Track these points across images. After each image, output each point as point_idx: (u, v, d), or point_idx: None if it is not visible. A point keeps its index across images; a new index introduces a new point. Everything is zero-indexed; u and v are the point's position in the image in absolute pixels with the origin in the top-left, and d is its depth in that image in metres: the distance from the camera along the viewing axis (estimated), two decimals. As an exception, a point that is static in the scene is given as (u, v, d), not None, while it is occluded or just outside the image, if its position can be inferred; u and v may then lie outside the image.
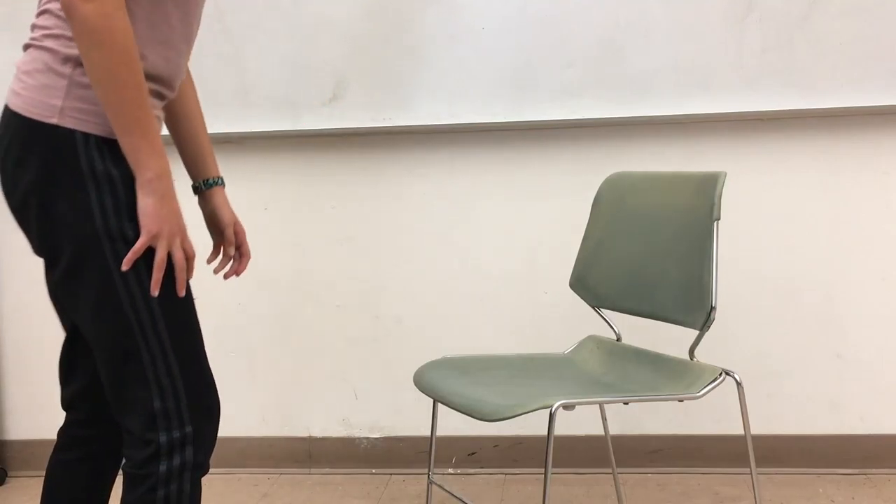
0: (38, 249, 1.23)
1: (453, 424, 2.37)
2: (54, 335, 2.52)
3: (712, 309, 1.56)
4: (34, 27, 1.22)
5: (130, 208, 1.17)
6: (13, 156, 1.19)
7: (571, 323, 2.35)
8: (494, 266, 2.39)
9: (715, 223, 1.60)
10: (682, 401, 1.93)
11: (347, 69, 2.29)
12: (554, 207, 2.34)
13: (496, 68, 2.25)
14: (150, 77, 1.22)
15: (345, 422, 2.45)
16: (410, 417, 2.40)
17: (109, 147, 1.18)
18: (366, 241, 2.41)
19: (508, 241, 2.38)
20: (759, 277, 2.30)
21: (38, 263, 2.50)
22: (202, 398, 1.23)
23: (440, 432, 2.39)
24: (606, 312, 1.89)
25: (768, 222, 2.29)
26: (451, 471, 2.43)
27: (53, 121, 1.16)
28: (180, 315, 1.22)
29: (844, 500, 2.16)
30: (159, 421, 1.20)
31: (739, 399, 1.59)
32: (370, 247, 2.41)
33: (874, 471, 2.31)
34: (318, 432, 2.45)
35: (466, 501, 2.21)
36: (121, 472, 1.27)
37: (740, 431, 1.79)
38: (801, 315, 2.30)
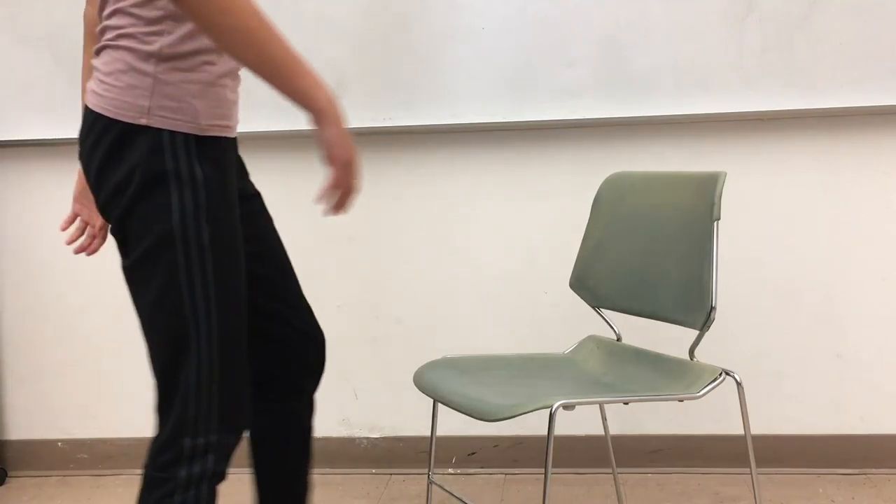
0: (119, 245, 1.23)
1: (453, 424, 2.37)
2: (54, 335, 2.53)
3: (712, 309, 1.56)
4: (105, 29, 1.22)
5: (209, 210, 1.19)
6: (101, 157, 1.19)
7: (571, 323, 2.35)
8: (494, 266, 2.39)
9: (715, 223, 1.60)
10: (682, 401, 1.93)
11: (347, 69, 2.29)
12: (554, 207, 2.34)
13: (496, 68, 2.25)
14: (215, 61, 1.22)
15: (345, 422, 2.45)
16: (410, 417, 2.40)
17: (196, 144, 1.19)
18: (366, 241, 2.41)
19: (508, 241, 2.38)
20: (759, 277, 2.30)
21: (38, 264, 2.50)
22: (233, 409, 1.24)
23: (440, 432, 2.39)
24: (606, 312, 1.89)
25: (768, 222, 2.29)
26: (451, 471, 2.43)
27: (142, 122, 1.17)
28: (233, 325, 1.23)
29: (844, 500, 2.16)
30: (189, 426, 1.21)
31: (739, 399, 1.59)
32: (370, 247, 2.41)
33: (874, 471, 2.31)
34: (318, 432, 2.45)
35: (466, 501, 2.21)
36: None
37: (740, 431, 1.79)
38: (801, 315, 2.30)
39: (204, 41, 1.21)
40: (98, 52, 1.23)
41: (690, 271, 1.63)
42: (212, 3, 1.08)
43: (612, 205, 1.88)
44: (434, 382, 1.65)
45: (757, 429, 2.31)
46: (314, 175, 2.40)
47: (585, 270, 1.91)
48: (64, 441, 2.54)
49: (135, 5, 1.18)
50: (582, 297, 1.91)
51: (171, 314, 1.19)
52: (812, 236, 2.28)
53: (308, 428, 1.56)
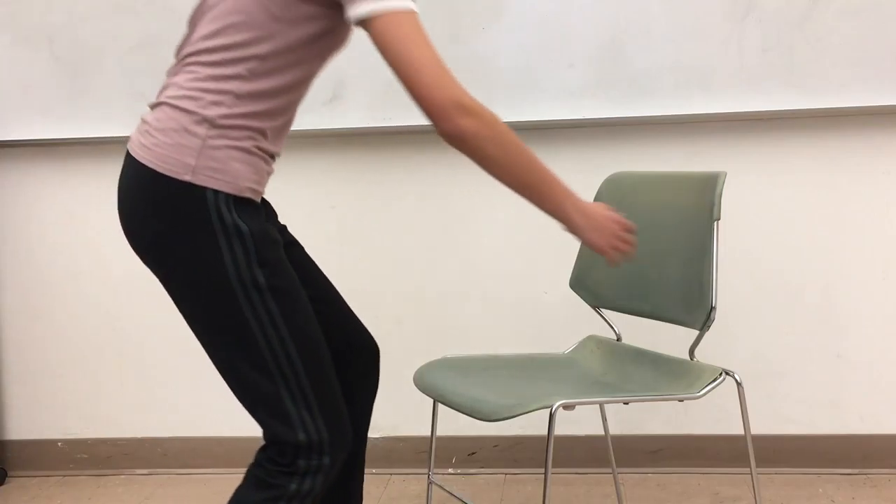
0: (169, 293, 1.32)
1: (453, 424, 2.37)
2: (54, 335, 2.53)
3: (712, 309, 1.56)
4: (169, 85, 1.32)
5: (259, 255, 1.28)
6: (143, 207, 1.28)
7: (571, 323, 2.35)
8: (494, 266, 2.39)
9: (715, 223, 1.60)
10: (682, 401, 1.93)
11: (347, 69, 2.29)
12: (554, 207, 2.34)
13: (496, 68, 2.25)
14: (263, 139, 1.32)
15: (345, 422, 2.45)
16: (410, 417, 2.40)
17: (237, 203, 1.28)
18: (366, 241, 2.41)
19: (508, 241, 2.38)
20: (759, 277, 2.30)
21: (38, 264, 2.50)
22: (340, 431, 1.33)
23: (440, 432, 2.39)
24: (606, 312, 1.89)
25: (768, 222, 2.29)
26: (451, 471, 2.43)
27: (187, 178, 1.25)
28: (312, 349, 1.31)
29: (844, 500, 2.16)
30: (303, 449, 1.30)
31: (739, 399, 1.59)
32: (370, 247, 2.41)
33: (874, 471, 2.31)
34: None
35: (466, 501, 2.21)
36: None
37: (740, 431, 1.79)
38: (801, 315, 2.30)
39: (256, 123, 1.30)
40: (154, 107, 1.32)
41: (690, 271, 1.63)
42: (486, 141, 1.26)
43: (612, 205, 1.88)
44: (434, 382, 1.65)
45: (757, 429, 2.31)
46: (314, 175, 2.40)
47: (585, 270, 1.91)
48: (64, 441, 2.54)
49: (211, 64, 1.28)
50: (582, 297, 1.91)
51: (251, 354, 1.28)
52: (812, 236, 2.28)
53: (362, 438, 1.65)
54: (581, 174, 2.32)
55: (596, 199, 1.92)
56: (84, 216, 2.48)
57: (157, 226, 1.27)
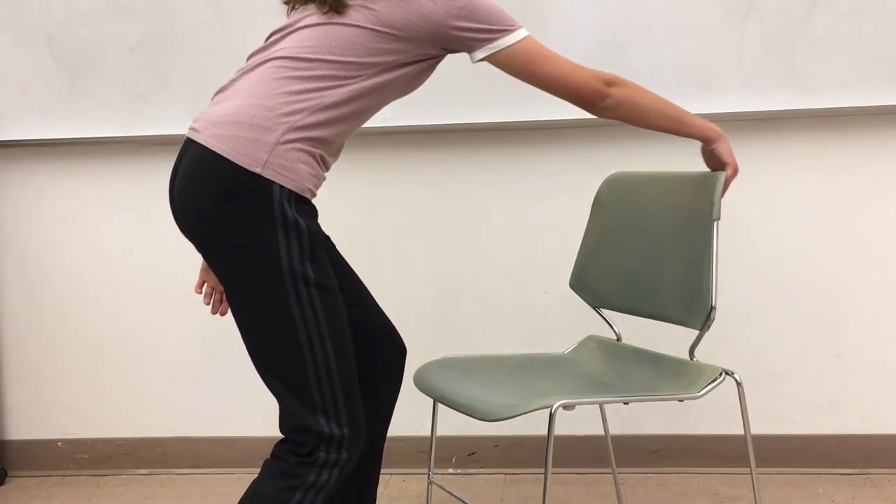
0: (220, 276, 1.38)
1: (453, 424, 2.37)
2: (54, 335, 2.53)
3: (712, 309, 1.56)
4: (254, 79, 1.38)
5: (312, 252, 1.35)
6: (210, 192, 1.34)
7: (571, 323, 2.35)
8: (494, 266, 2.39)
9: (715, 223, 1.60)
10: (682, 401, 1.93)
11: (347, 69, 2.28)
12: (554, 207, 2.34)
13: (496, 68, 2.25)
14: (326, 151, 1.41)
15: (345, 422, 2.45)
16: (410, 417, 2.40)
17: (298, 202, 1.35)
18: (366, 241, 2.41)
19: (508, 241, 2.38)
20: (759, 277, 2.30)
21: (38, 264, 2.50)
22: (359, 428, 1.39)
23: (440, 432, 2.39)
24: (606, 312, 1.89)
25: (768, 222, 2.29)
26: (451, 471, 2.43)
27: (257, 170, 1.32)
28: (344, 345, 1.37)
29: (844, 500, 2.16)
30: (324, 440, 1.35)
31: (739, 399, 1.59)
32: (370, 247, 2.41)
33: (874, 471, 2.31)
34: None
35: (466, 501, 2.21)
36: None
37: (740, 431, 1.79)
38: (801, 315, 2.30)
39: (326, 134, 1.38)
40: (226, 97, 1.39)
41: (690, 271, 1.63)
42: (630, 104, 1.49)
43: (612, 205, 1.88)
44: (434, 382, 1.65)
45: (757, 429, 2.31)
46: (314, 175, 2.40)
47: (585, 270, 1.91)
48: (64, 441, 2.54)
49: (301, 76, 1.36)
50: (582, 297, 1.91)
51: (291, 343, 1.33)
52: (812, 236, 2.28)
53: (382, 433, 1.67)
54: (581, 174, 2.32)
55: (596, 199, 1.92)
56: (84, 216, 2.48)
57: (221, 211, 1.33)
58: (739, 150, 2.27)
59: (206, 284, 1.60)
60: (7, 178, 2.49)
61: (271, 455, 1.40)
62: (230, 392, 2.47)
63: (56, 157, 2.47)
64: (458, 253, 2.39)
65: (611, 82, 1.47)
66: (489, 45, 1.43)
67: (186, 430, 2.51)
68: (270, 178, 1.32)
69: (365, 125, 2.29)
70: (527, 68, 1.45)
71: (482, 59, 1.44)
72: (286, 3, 1.49)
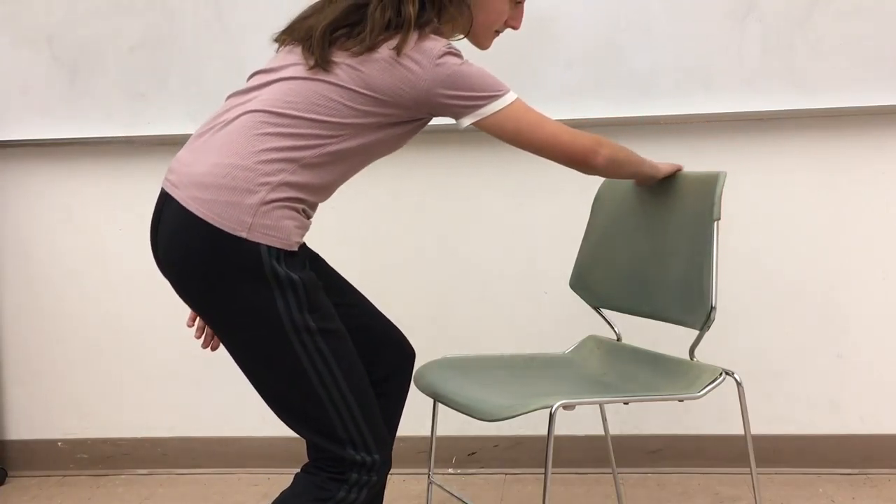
0: (220, 335, 1.39)
1: (453, 424, 2.37)
2: (54, 335, 2.53)
3: (712, 309, 1.56)
4: (231, 131, 1.36)
5: (310, 303, 1.34)
6: (196, 258, 1.33)
7: (571, 323, 2.35)
8: (494, 266, 2.38)
9: (715, 223, 1.60)
10: (682, 401, 1.93)
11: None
12: (554, 207, 2.34)
13: (496, 68, 2.25)
14: (310, 205, 1.41)
15: (345, 422, 2.45)
16: (410, 417, 2.38)
17: (287, 257, 1.34)
18: (366, 241, 2.41)
19: (508, 241, 2.38)
20: (759, 277, 2.30)
21: (38, 264, 2.50)
22: (387, 452, 1.41)
23: (440, 432, 2.39)
24: (606, 312, 1.89)
25: (768, 222, 2.29)
26: (451, 471, 2.43)
27: (243, 234, 1.30)
28: (359, 379, 1.39)
29: (844, 500, 2.16)
30: (356, 465, 1.37)
31: (739, 399, 1.59)
32: (370, 247, 2.41)
33: (874, 471, 2.31)
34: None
35: (466, 501, 2.21)
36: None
37: (740, 431, 1.79)
38: (801, 315, 2.30)
39: (309, 193, 1.37)
40: (202, 152, 1.37)
41: (690, 271, 1.63)
42: (612, 168, 1.52)
43: (612, 204, 1.88)
44: (434, 382, 1.65)
45: (757, 429, 2.31)
46: (314, 175, 2.40)
47: (585, 270, 1.91)
48: (64, 441, 2.54)
49: (280, 133, 1.33)
50: (582, 297, 1.91)
51: (306, 391, 1.35)
52: (812, 236, 2.28)
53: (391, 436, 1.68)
54: (581, 174, 2.31)
55: (596, 199, 1.92)
56: (84, 216, 2.48)
57: (211, 277, 1.32)
58: (739, 150, 2.28)
59: (198, 319, 1.56)
60: (7, 178, 2.49)
61: (302, 469, 1.42)
62: (230, 392, 2.47)
63: (56, 157, 2.47)
64: (458, 252, 2.39)
65: (601, 144, 1.48)
66: (476, 112, 1.40)
67: (186, 430, 2.51)
68: (257, 240, 1.31)
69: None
70: (516, 135, 1.44)
71: (470, 125, 1.42)
72: (276, 41, 1.46)
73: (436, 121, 2.29)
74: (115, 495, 2.39)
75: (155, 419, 2.52)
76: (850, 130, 2.24)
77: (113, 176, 2.46)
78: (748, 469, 2.31)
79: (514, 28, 1.59)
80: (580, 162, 1.48)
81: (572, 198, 2.32)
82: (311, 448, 1.41)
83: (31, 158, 2.48)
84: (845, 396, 2.31)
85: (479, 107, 1.39)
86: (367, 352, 1.56)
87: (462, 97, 1.37)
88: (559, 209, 2.34)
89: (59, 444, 2.54)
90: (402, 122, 1.41)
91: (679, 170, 1.71)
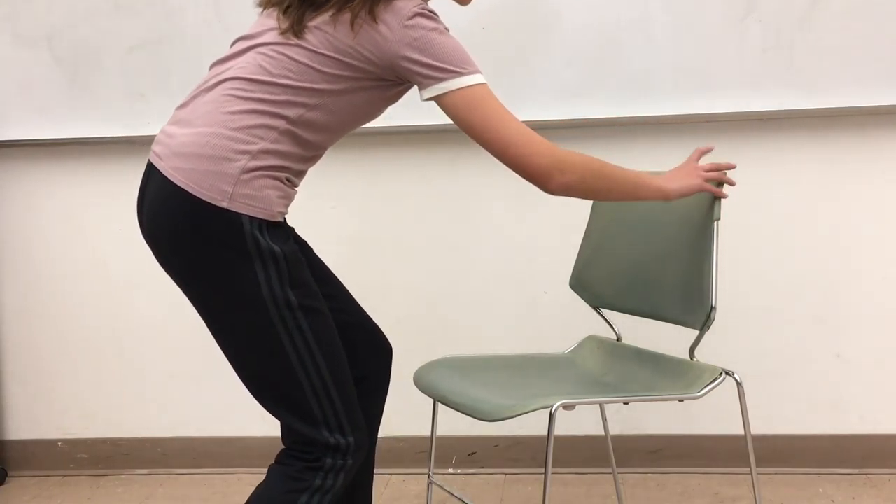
0: (201, 309, 1.37)
1: (453, 424, 2.37)
2: (54, 335, 2.52)
3: (712, 309, 1.56)
4: (208, 101, 1.34)
5: (292, 277, 1.32)
6: (178, 229, 1.31)
7: (571, 323, 2.35)
8: (494, 266, 2.38)
9: (715, 223, 1.60)
10: (682, 401, 1.93)
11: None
12: (554, 207, 2.34)
13: (496, 68, 2.25)
14: (294, 173, 1.38)
15: (345, 422, 2.45)
16: (410, 417, 2.39)
17: (270, 227, 1.32)
18: (366, 240, 2.41)
19: (508, 241, 2.37)
20: (759, 277, 2.30)
21: (38, 264, 2.50)
22: (361, 435, 1.40)
23: (440, 432, 2.39)
24: (606, 312, 1.89)
25: (768, 222, 2.29)
26: (451, 471, 2.43)
27: (224, 204, 1.29)
28: (338, 363, 1.38)
29: (844, 500, 2.16)
30: (330, 449, 1.36)
31: (739, 399, 1.59)
32: (370, 247, 2.41)
33: (874, 471, 2.31)
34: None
35: (466, 501, 2.21)
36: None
37: (740, 431, 1.79)
38: (801, 315, 2.30)
39: (292, 160, 1.36)
40: (187, 121, 1.35)
41: (690, 271, 1.63)
42: (579, 190, 1.40)
43: (612, 205, 1.88)
44: (434, 382, 1.65)
45: (757, 429, 2.31)
46: (313, 175, 2.40)
47: (585, 270, 1.91)
48: (64, 441, 2.54)
49: (259, 98, 1.31)
50: (582, 297, 1.91)
51: (284, 367, 1.33)
52: (812, 236, 2.28)
53: (372, 436, 1.69)
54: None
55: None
56: (84, 216, 2.48)
57: (193, 248, 1.31)
58: (739, 150, 2.28)
59: None
60: (7, 178, 2.49)
61: (276, 461, 1.40)
62: (230, 392, 2.47)
63: (56, 157, 2.47)
64: (458, 252, 2.39)
65: (565, 166, 1.37)
66: (436, 86, 1.31)
67: (186, 430, 2.51)
68: (238, 210, 1.29)
69: (365, 125, 2.30)
70: (468, 123, 1.33)
71: (428, 100, 1.34)
72: (259, 5, 1.45)
73: (436, 121, 2.29)
74: (115, 495, 2.39)
75: (155, 419, 2.52)
76: (850, 130, 2.24)
77: (113, 176, 2.46)
78: (748, 469, 2.31)
79: None
80: (530, 176, 1.37)
81: (572, 198, 2.32)
82: (286, 431, 1.40)
83: (31, 158, 2.48)
84: (845, 396, 2.31)
85: (440, 80, 1.31)
86: (349, 350, 1.55)
87: (424, 64, 1.30)
88: (559, 209, 2.34)
89: (59, 444, 2.54)
90: (377, 87, 1.36)
91: (702, 189, 1.56)
